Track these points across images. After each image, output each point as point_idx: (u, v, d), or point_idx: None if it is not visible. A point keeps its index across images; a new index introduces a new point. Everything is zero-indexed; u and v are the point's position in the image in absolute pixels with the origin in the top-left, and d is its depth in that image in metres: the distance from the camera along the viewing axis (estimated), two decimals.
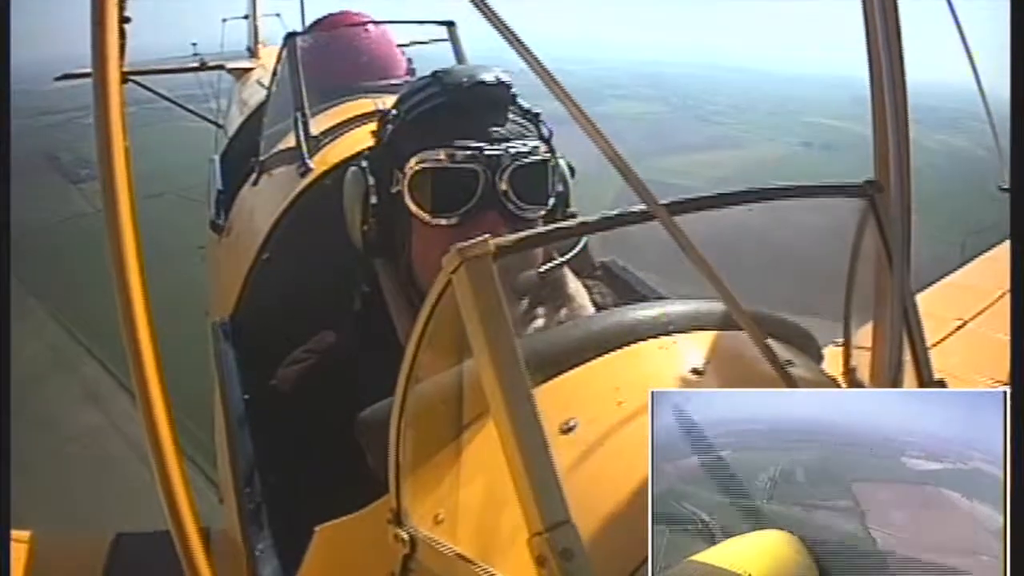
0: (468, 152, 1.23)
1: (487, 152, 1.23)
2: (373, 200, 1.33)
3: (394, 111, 1.35)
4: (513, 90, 1.31)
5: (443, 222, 1.25)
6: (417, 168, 1.25)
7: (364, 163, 1.37)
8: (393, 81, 2.73)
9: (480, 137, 1.25)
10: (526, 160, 1.26)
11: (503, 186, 1.24)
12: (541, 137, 1.32)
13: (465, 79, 1.28)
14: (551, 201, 1.32)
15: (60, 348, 8.52)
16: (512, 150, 1.25)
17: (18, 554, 1.46)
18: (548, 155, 1.31)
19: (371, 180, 1.34)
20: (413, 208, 1.27)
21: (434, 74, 1.33)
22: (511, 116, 1.30)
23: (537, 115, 1.34)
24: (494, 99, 1.29)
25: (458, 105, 1.27)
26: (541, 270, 1.28)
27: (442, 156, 1.24)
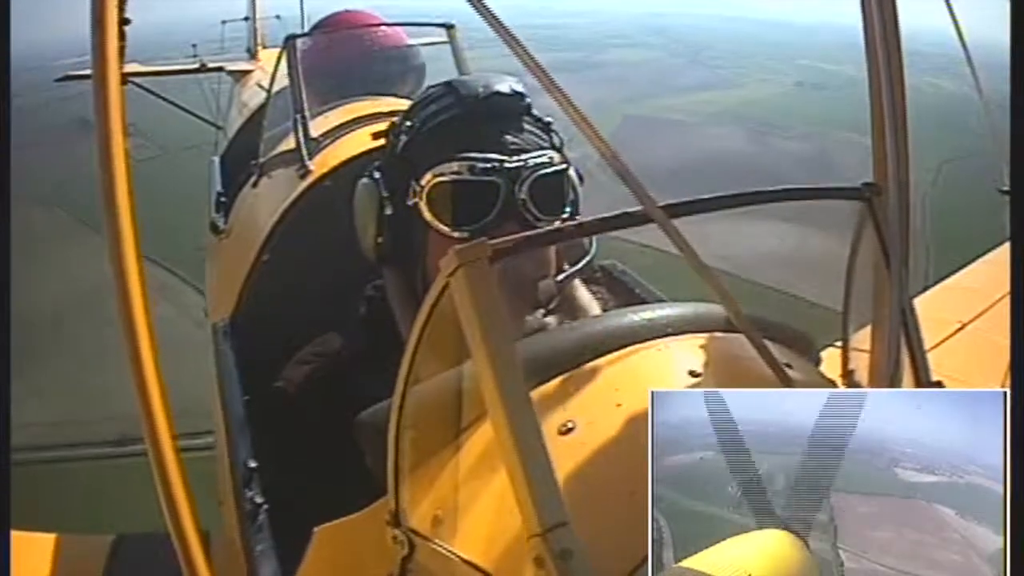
0: (488, 165, 1.23)
1: (507, 164, 1.23)
2: (388, 212, 1.32)
3: (407, 122, 1.34)
4: (527, 99, 1.31)
5: (463, 234, 1.23)
6: (436, 181, 1.24)
7: (376, 174, 1.36)
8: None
9: (497, 148, 1.24)
10: (545, 171, 1.25)
11: (522, 197, 1.23)
12: (553, 146, 1.32)
13: (481, 89, 1.27)
14: (567, 210, 1.32)
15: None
16: (531, 161, 1.25)
17: (18, 554, 1.46)
18: (564, 165, 1.31)
19: (384, 192, 1.33)
20: (432, 221, 1.25)
21: (448, 84, 1.32)
22: (526, 126, 1.30)
23: (549, 124, 1.34)
24: (510, 109, 1.29)
25: (474, 116, 1.27)
26: (559, 278, 1.27)
27: (462, 168, 1.23)
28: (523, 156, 1.25)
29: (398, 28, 3.04)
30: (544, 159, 1.26)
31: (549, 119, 1.34)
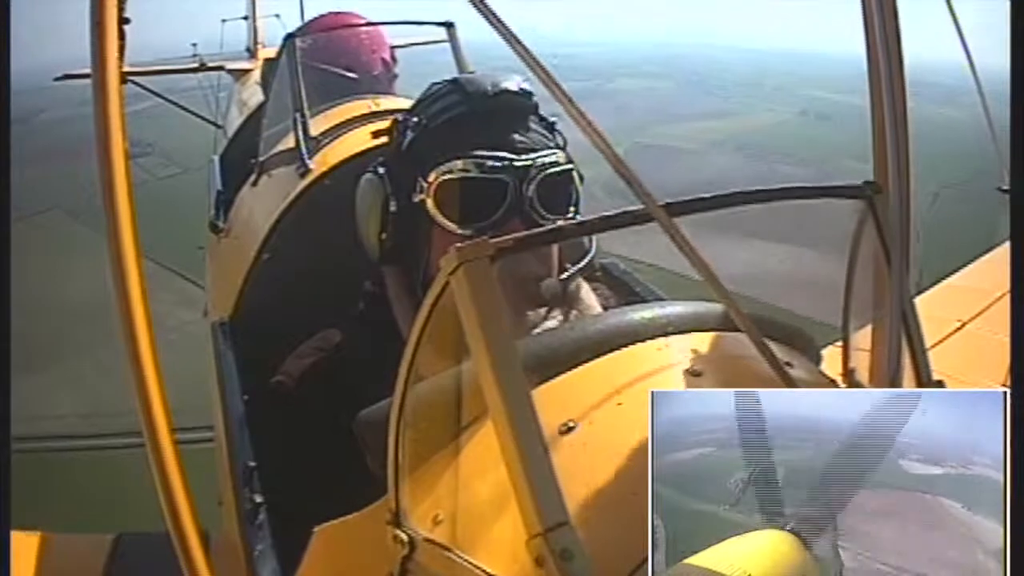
0: (497, 163, 1.23)
1: (516, 163, 1.23)
2: (392, 208, 1.31)
3: (414, 118, 1.34)
4: (534, 97, 1.30)
5: (470, 232, 1.23)
6: (444, 178, 1.24)
7: (381, 170, 1.35)
8: (374, 72, 2.86)
9: (504, 146, 1.24)
10: (553, 170, 1.26)
11: (530, 196, 1.23)
12: (558, 145, 1.32)
13: (489, 87, 1.27)
14: (572, 209, 1.32)
15: (155, 275, 11.02)
16: (539, 160, 1.25)
17: (18, 554, 1.46)
18: (571, 164, 1.31)
19: (389, 189, 1.32)
20: (438, 218, 1.25)
21: (455, 81, 1.31)
22: (533, 125, 1.30)
23: (553, 123, 1.34)
24: (517, 108, 1.29)
25: (482, 114, 1.26)
26: (562, 277, 1.27)
27: (470, 166, 1.23)
28: (531, 155, 1.25)
29: (385, 53, 3.03)
30: (551, 158, 1.26)
31: (554, 118, 1.34)
